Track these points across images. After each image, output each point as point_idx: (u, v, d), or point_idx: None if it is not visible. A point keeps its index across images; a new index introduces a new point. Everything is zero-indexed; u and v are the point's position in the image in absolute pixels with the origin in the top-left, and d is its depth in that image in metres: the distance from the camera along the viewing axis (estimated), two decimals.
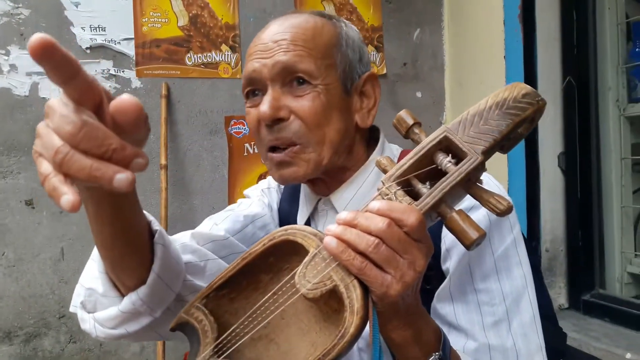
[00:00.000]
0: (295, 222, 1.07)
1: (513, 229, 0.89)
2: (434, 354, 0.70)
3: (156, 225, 0.81)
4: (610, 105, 2.19)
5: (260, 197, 1.16)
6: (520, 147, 2.24)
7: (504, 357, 0.83)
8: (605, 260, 2.15)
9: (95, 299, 0.85)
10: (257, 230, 1.09)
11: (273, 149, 0.93)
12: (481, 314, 0.84)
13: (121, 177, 0.49)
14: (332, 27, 0.96)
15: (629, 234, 2.16)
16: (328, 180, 0.99)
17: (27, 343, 2.23)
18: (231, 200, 2.48)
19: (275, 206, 1.16)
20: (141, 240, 0.77)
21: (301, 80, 0.91)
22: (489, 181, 0.90)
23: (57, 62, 0.47)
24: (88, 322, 0.85)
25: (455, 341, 0.84)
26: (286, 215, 1.12)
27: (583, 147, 2.21)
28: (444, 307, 0.87)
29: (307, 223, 1.05)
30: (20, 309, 2.22)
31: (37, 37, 0.46)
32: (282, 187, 1.18)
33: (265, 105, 0.90)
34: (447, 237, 0.88)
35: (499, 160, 2.25)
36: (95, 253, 0.84)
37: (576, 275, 2.20)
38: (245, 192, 1.21)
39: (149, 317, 0.82)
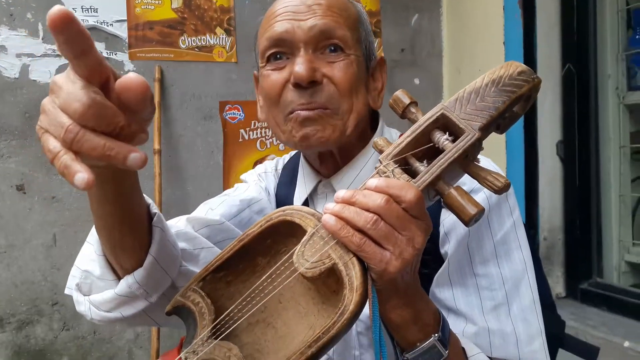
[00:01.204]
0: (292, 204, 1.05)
1: (513, 213, 0.88)
2: (433, 335, 0.69)
3: (154, 209, 0.80)
4: (610, 93, 2.17)
5: (257, 181, 1.15)
6: (518, 135, 2.22)
7: (503, 341, 0.83)
8: (603, 248, 2.15)
9: (91, 282, 0.84)
10: (254, 215, 1.08)
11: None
12: (480, 298, 0.84)
13: (135, 156, 0.50)
14: (352, 5, 0.97)
15: (627, 222, 2.16)
16: (338, 156, 0.97)
17: (19, 330, 2.20)
18: (226, 186, 2.45)
19: (272, 190, 1.14)
20: (141, 221, 0.77)
21: (334, 47, 0.90)
22: (489, 165, 0.89)
23: (73, 36, 0.48)
24: (83, 305, 0.84)
25: (455, 325, 0.83)
26: (284, 199, 1.10)
27: (582, 135, 2.20)
28: (442, 291, 0.87)
29: (305, 205, 1.03)
30: (12, 296, 2.20)
31: (57, 8, 0.46)
32: (280, 171, 1.16)
33: (302, 66, 0.87)
34: (446, 221, 0.87)
35: (497, 148, 2.24)
36: (92, 236, 0.83)
37: (574, 263, 2.20)
38: (242, 176, 1.20)
39: (144, 301, 0.81)
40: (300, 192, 1.05)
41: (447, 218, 0.87)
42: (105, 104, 0.50)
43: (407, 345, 0.70)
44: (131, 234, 0.76)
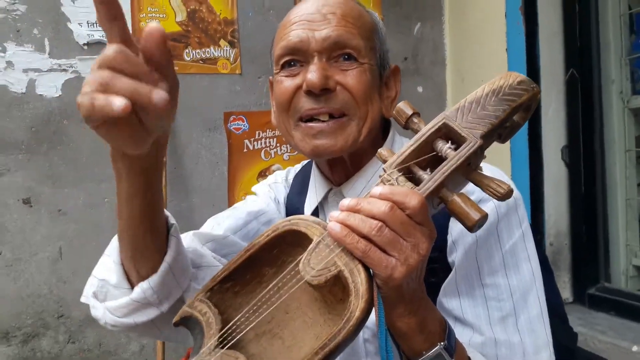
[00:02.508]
0: (302, 214, 1.06)
1: (522, 224, 0.88)
2: (439, 343, 0.69)
3: (172, 220, 0.86)
4: (614, 97, 2.16)
5: (267, 192, 1.16)
6: (523, 141, 2.22)
7: (510, 352, 0.82)
8: (610, 253, 2.13)
9: (106, 290, 0.88)
10: (262, 227, 1.09)
11: (309, 120, 0.92)
12: (488, 308, 0.84)
13: (159, 92, 0.58)
14: (368, 14, 0.98)
15: (633, 226, 2.14)
16: (349, 163, 0.98)
17: (25, 343, 2.20)
18: (231, 197, 2.46)
19: (282, 200, 1.15)
20: (162, 225, 0.83)
21: (347, 56, 0.91)
22: (499, 175, 0.89)
23: (111, 4, 0.59)
24: (99, 310, 0.88)
25: (461, 335, 0.83)
26: (294, 208, 1.11)
27: (587, 140, 2.19)
28: (450, 301, 0.86)
29: (315, 213, 1.04)
30: (18, 309, 2.20)
31: None
32: (291, 180, 1.17)
33: (314, 74, 0.89)
34: (453, 230, 0.87)
35: (502, 154, 2.23)
36: (111, 246, 0.89)
37: (581, 269, 2.18)
38: (253, 188, 1.21)
39: (156, 309, 0.85)
40: (311, 200, 1.05)
41: (455, 227, 0.87)
42: (130, 54, 0.60)
43: (413, 353, 0.70)
44: (152, 236, 0.81)
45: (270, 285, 0.69)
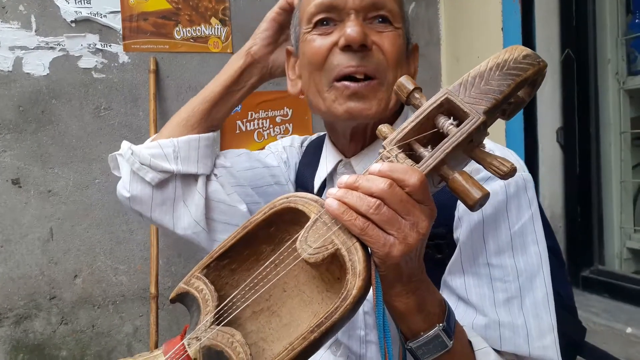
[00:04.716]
0: (312, 186, 1.06)
1: (531, 205, 0.86)
2: (437, 325, 0.68)
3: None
4: (610, 78, 2.14)
5: (280, 152, 1.17)
6: (518, 123, 2.20)
7: (513, 335, 0.80)
8: (604, 235, 2.13)
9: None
10: (268, 177, 1.14)
11: (346, 78, 0.89)
12: (493, 289, 0.82)
13: None
14: None
15: (628, 209, 2.13)
16: (369, 133, 0.96)
17: (17, 325, 2.19)
18: None
19: (293, 164, 1.15)
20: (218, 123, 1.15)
21: (382, 19, 0.90)
22: (510, 156, 0.88)
23: None
24: (122, 149, 1.10)
25: (464, 315, 0.82)
26: (303, 179, 1.11)
27: (582, 121, 2.18)
28: (454, 279, 0.85)
29: (323, 185, 1.04)
30: (10, 291, 2.18)
31: None
32: (304, 148, 1.18)
33: (354, 29, 0.86)
34: (461, 205, 0.85)
35: (497, 135, 2.21)
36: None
37: (575, 251, 2.18)
38: (268, 145, 1.22)
39: (167, 163, 1.07)
40: (321, 172, 1.04)
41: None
42: None
43: (411, 334, 0.69)
44: (225, 111, 1.13)
45: (268, 263, 0.68)
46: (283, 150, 1.18)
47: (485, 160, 0.63)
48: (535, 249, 0.84)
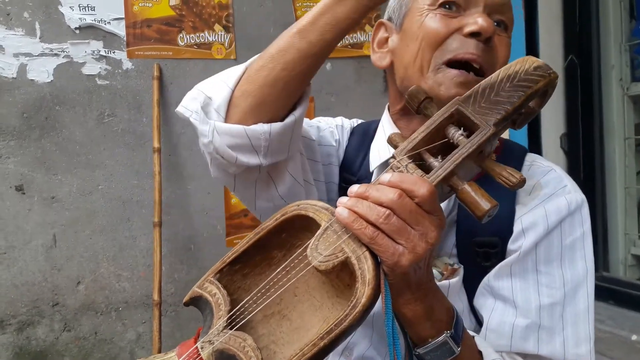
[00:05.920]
0: (358, 170, 1.03)
1: (584, 224, 0.88)
2: (445, 332, 0.69)
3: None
4: (614, 84, 2.15)
5: (333, 129, 1.11)
6: (522, 129, 2.19)
7: (550, 338, 0.83)
8: (608, 242, 2.13)
9: (208, 110, 0.88)
10: (334, 156, 1.07)
11: (459, 65, 0.86)
12: (539, 293, 0.84)
13: None
14: None
15: (632, 215, 2.13)
16: None
17: (20, 332, 2.19)
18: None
19: (344, 144, 1.11)
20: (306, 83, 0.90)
21: (500, 23, 0.89)
22: (560, 175, 0.89)
23: None
24: (206, 127, 0.87)
25: (504, 314, 0.84)
26: (351, 160, 1.06)
27: (586, 127, 2.18)
28: (500, 280, 0.86)
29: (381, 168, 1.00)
30: (13, 297, 2.18)
31: None
32: (351, 132, 1.12)
33: (487, 20, 0.84)
34: (525, 218, 0.86)
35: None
36: (229, 74, 0.89)
37: None
38: (318, 119, 1.14)
39: (256, 157, 0.87)
40: (382, 151, 0.99)
41: (526, 215, 0.86)
42: None
43: (419, 340, 0.70)
44: (309, 77, 0.88)
45: (279, 268, 0.70)
46: (335, 129, 1.11)
47: (494, 170, 0.64)
48: (583, 264, 0.86)
